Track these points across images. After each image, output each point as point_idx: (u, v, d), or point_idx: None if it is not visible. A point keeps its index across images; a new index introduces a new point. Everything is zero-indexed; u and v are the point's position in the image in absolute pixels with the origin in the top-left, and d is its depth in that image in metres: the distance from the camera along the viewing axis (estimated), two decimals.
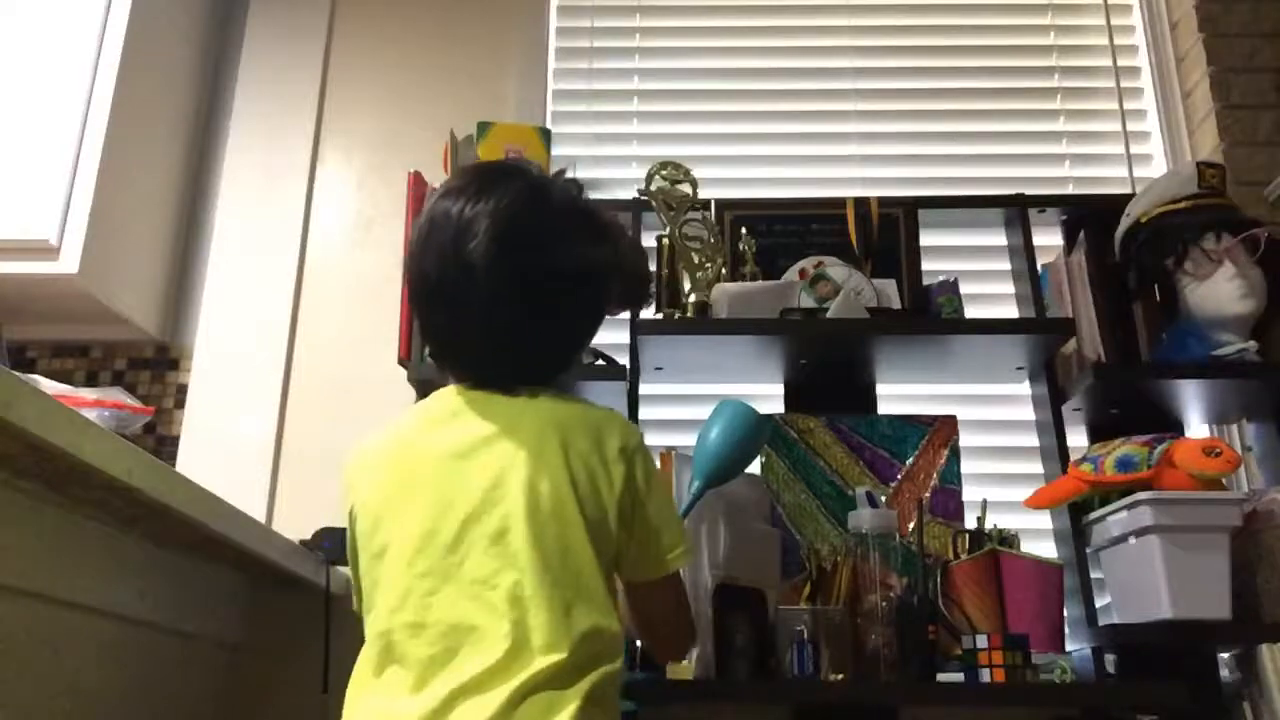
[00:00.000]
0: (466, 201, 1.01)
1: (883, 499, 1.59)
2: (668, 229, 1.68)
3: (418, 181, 1.67)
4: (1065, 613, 1.49)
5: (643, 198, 1.69)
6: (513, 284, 0.99)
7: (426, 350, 1.10)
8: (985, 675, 1.32)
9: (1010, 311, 1.84)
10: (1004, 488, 1.68)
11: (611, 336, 1.66)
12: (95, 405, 1.52)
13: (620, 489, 0.99)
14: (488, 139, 1.66)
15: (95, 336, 1.94)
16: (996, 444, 1.83)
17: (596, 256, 1.05)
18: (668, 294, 1.72)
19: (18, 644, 0.93)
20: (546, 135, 1.71)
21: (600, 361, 1.62)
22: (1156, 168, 2.00)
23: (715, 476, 1.32)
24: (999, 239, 1.88)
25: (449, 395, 1.06)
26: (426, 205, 1.06)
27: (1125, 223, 1.71)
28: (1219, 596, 1.37)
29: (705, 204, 1.73)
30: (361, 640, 0.98)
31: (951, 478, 1.66)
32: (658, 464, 1.43)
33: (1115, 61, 2.11)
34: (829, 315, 1.61)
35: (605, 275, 1.07)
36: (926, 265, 1.79)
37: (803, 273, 1.75)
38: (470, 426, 1.01)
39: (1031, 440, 1.75)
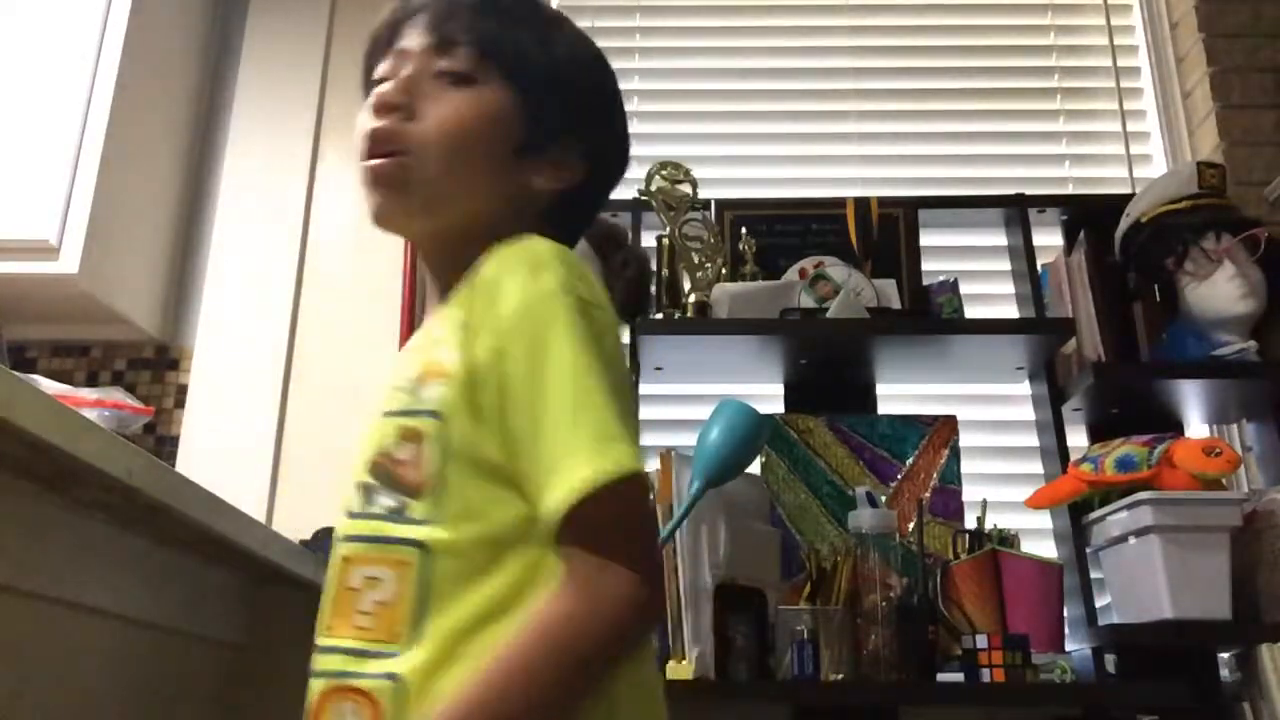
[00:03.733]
0: None
1: (883, 499, 1.59)
2: (668, 229, 1.68)
3: None
4: (1065, 613, 1.50)
5: (643, 198, 1.69)
6: None
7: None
8: (985, 675, 1.32)
9: (1010, 311, 1.84)
10: (1004, 488, 1.68)
11: None
12: (95, 405, 1.52)
13: None
14: None
15: (95, 336, 1.93)
16: (996, 444, 1.83)
17: None
18: (668, 294, 1.72)
19: (18, 644, 0.93)
20: None
21: None
22: (1156, 168, 2.00)
23: (715, 476, 1.32)
24: (999, 239, 1.88)
25: None
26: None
27: (1125, 223, 1.71)
28: (1219, 596, 1.37)
29: (705, 204, 1.73)
30: None
31: (951, 478, 1.65)
32: (657, 464, 1.44)
33: (1115, 61, 2.11)
34: (829, 315, 1.61)
35: None
36: (926, 265, 1.79)
37: (803, 273, 1.75)
38: None
39: (1031, 440, 1.75)
